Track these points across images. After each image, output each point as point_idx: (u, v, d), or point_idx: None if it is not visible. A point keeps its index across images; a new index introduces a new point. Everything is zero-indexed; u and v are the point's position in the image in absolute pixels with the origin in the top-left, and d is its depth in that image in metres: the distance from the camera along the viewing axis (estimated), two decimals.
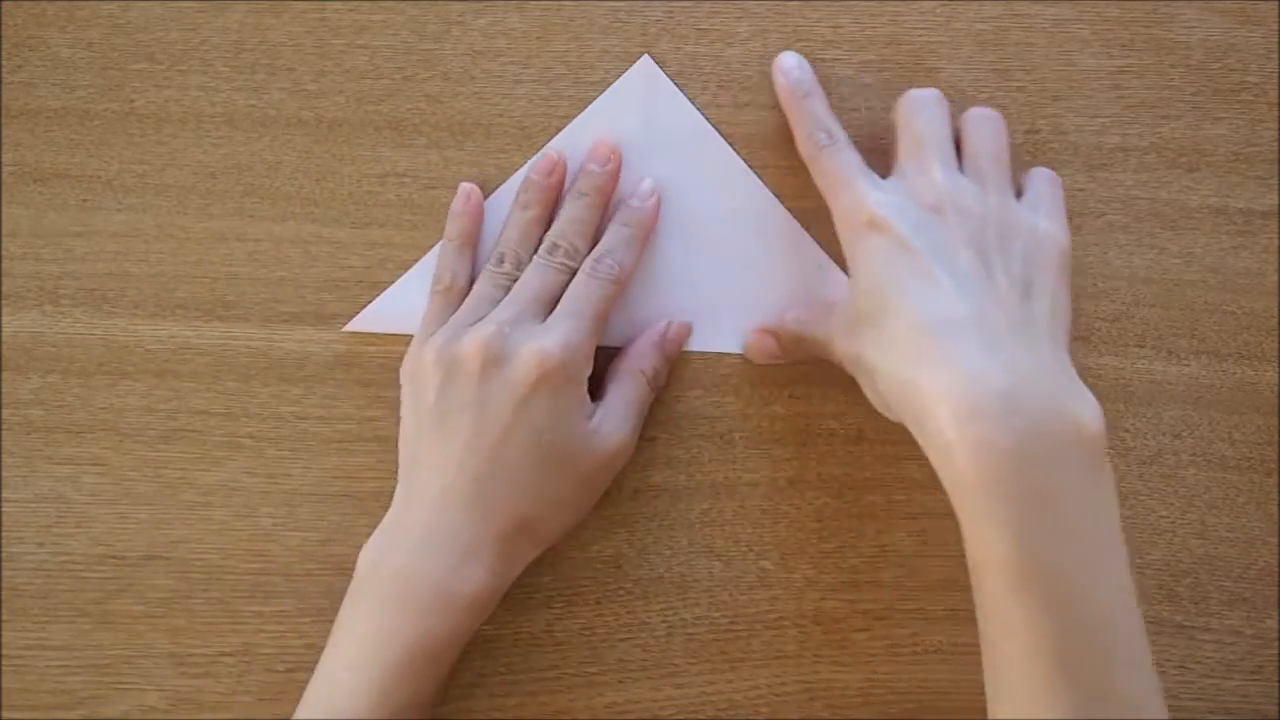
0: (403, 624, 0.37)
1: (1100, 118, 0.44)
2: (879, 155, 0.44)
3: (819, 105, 0.41)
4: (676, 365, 0.44)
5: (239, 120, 0.44)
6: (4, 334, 0.44)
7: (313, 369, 0.44)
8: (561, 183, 0.43)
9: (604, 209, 0.43)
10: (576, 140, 0.44)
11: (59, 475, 0.43)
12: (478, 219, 0.43)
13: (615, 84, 0.44)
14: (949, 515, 0.43)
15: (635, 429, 0.41)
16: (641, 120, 0.44)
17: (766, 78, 0.44)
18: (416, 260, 0.44)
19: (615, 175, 0.43)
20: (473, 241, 0.43)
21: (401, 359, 0.42)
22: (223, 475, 0.43)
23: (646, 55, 0.44)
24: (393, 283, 0.44)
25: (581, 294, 0.40)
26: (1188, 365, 0.44)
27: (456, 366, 0.39)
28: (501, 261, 0.42)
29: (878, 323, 0.36)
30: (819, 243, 0.44)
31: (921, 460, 0.43)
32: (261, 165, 0.44)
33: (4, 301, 0.44)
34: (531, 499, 0.38)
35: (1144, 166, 0.44)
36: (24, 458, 0.43)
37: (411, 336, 0.43)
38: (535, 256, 0.41)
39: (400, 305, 0.43)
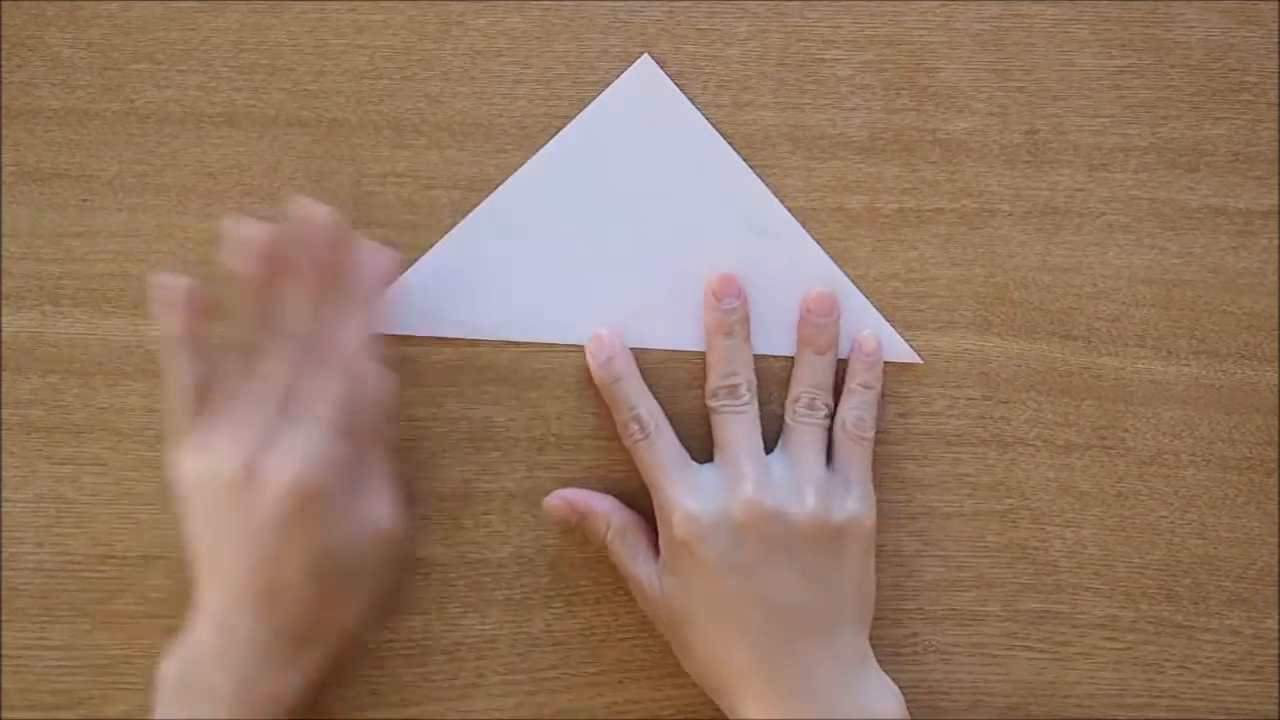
0: None
1: (1100, 118, 0.44)
2: (876, 154, 0.44)
3: (631, 389, 0.41)
4: (676, 365, 0.44)
5: (239, 120, 0.44)
6: (4, 334, 0.44)
7: None
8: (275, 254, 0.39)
9: (327, 283, 0.39)
10: (576, 140, 0.44)
11: (59, 475, 0.43)
12: (198, 312, 0.39)
13: (615, 84, 0.44)
14: (949, 515, 0.44)
15: (397, 500, 0.40)
16: (641, 120, 0.44)
17: (767, 77, 0.44)
18: (416, 260, 0.44)
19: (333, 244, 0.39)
20: (201, 336, 0.39)
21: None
22: None
23: (646, 55, 0.44)
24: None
25: (316, 390, 0.38)
26: (1188, 365, 0.44)
27: (212, 487, 0.38)
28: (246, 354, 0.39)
29: (688, 633, 0.39)
30: (819, 243, 0.44)
31: (921, 460, 0.44)
32: (261, 165, 0.44)
33: (4, 301, 0.44)
34: (314, 609, 0.38)
35: (1144, 166, 0.44)
36: (24, 458, 0.43)
37: (411, 337, 0.43)
38: (267, 342, 0.39)
39: (399, 305, 0.43)
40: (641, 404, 0.41)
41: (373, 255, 0.40)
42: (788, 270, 0.44)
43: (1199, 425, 0.44)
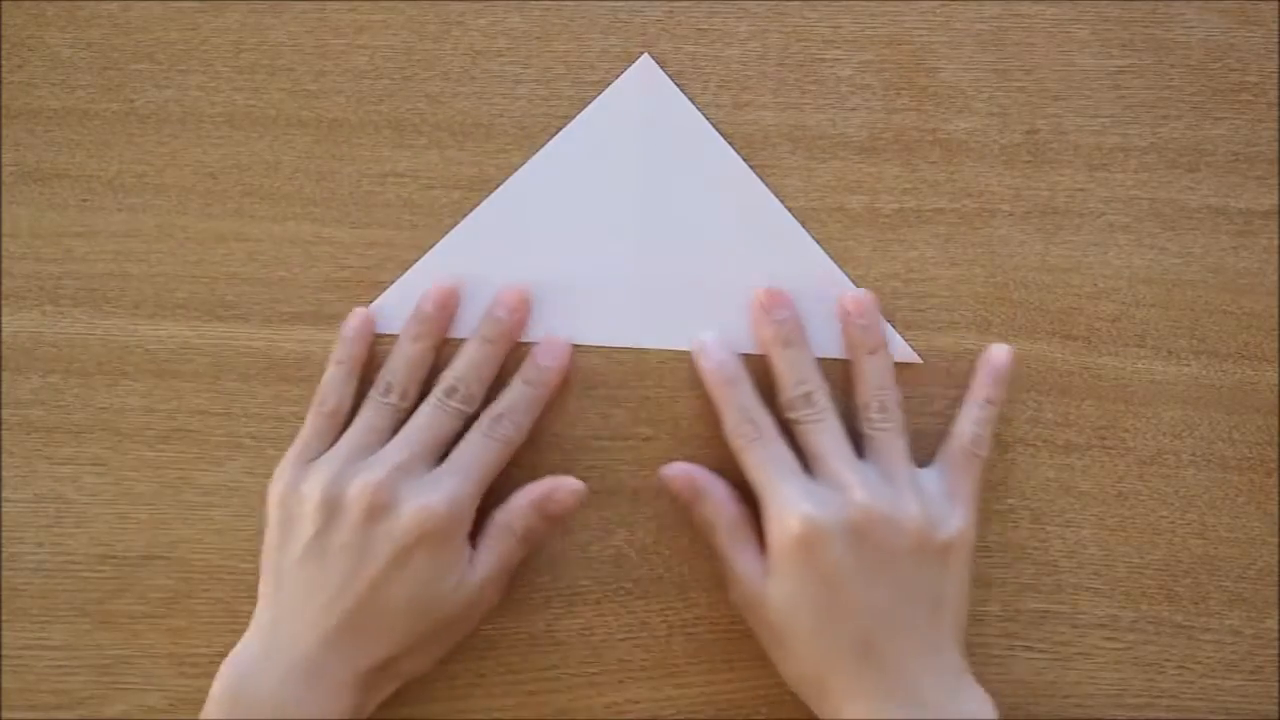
0: None
1: (1100, 118, 0.44)
2: (876, 154, 0.44)
3: (744, 392, 0.41)
4: (676, 365, 0.44)
5: (239, 120, 0.44)
6: (4, 334, 0.44)
7: (313, 369, 0.44)
8: (454, 314, 0.43)
9: (505, 356, 0.42)
10: (576, 140, 0.44)
11: (59, 475, 0.43)
12: (369, 344, 0.43)
13: (615, 83, 0.44)
14: None
15: (500, 585, 0.41)
16: (641, 120, 0.44)
17: (767, 77, 0.44)
18: (416, 260, 0.44)
19: (522, 324, 0.43)
20: (361, 366, 0.42)
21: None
22: (223, 475, 0.43)
23: (646, 54, 0.44)
24: (393, 283, 0.44)
25: (475, 453, 0.40)
26: (1188, 365, 0.44)
27: (340, 509, 0.38)
28: (388, 392, 0.41)
29: (790, 634, 0.39)
30: (819, 243, 0.44)
31: (922, 460, 0.43)
32: (261, 165, 0.44)
33: (4, 301, 0.44)
34: (398, 644, 0.38)
35: (1144, 166, 0.44)
36: (24, 458, 0.43)
37: None
38: (432, 395, 0.41)
39: (400, 305, 0.43)
40: (755, 406, 0.41)
41: (551, 346, 0.42)
42: (788, 270, 0.44)
43: (1199, 425, 0.44)
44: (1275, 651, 0.43)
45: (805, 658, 0.39)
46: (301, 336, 0.44)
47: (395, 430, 0.41)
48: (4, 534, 0.43)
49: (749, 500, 0.41)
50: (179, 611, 0.43)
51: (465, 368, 0.41)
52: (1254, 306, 0.44)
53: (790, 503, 0.38)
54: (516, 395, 0.41)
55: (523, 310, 0.42)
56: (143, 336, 0.44)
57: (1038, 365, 0.44)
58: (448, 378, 0.41)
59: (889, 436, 0.40)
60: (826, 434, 0.40)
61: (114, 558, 0.43)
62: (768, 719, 0.43)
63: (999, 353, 0.42)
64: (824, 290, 0.44)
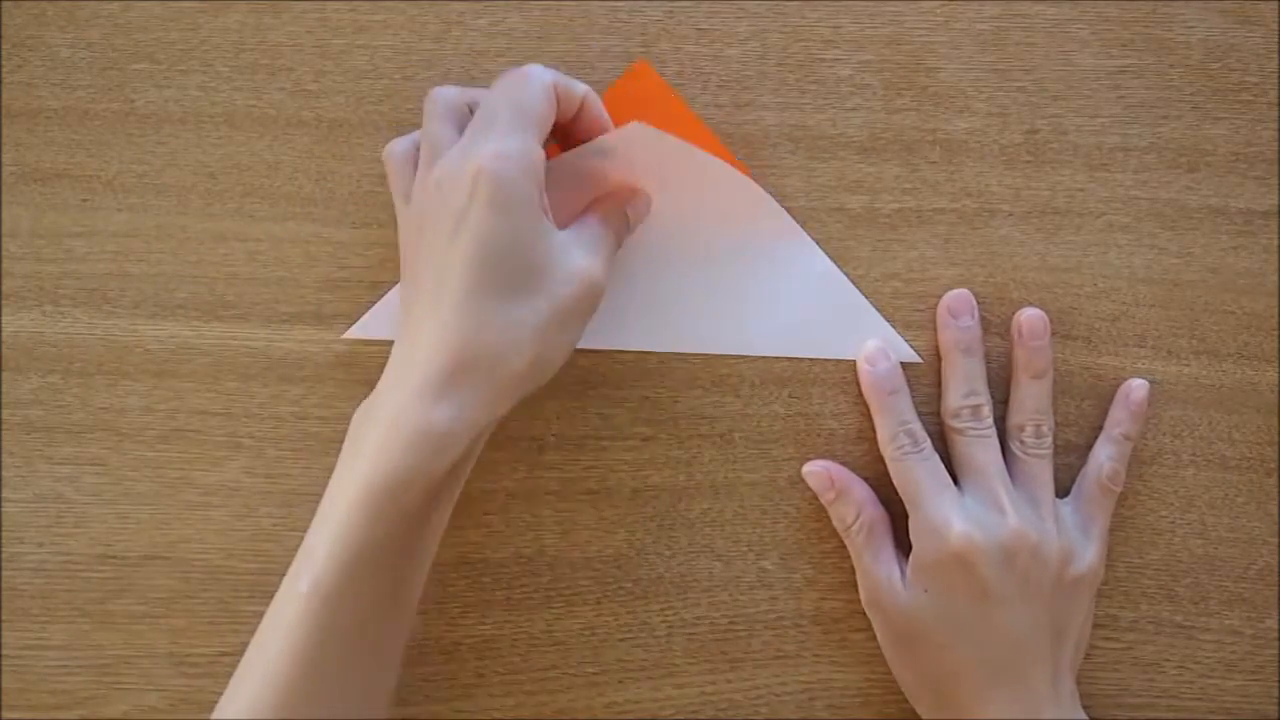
0: (359, 461, 0.35)
1: (1100, 118, 0.44)
2: (876, 154, 0.44)
3: (904, 403, 0.42)
4: (676, 365, 0.44)
5: (239, 120, 0.44)
6: (4, 334, 0.44)
7: (313, 369, 0.44)
8: None
9: None
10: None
11: (59, 475, 0.43)
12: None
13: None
14: None
15: (604, 258, 0.38)
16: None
17: (767, 77, 0.44)
18: None
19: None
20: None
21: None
22: (223, 475, 0.43)
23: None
24: (393, 283, 0.44)
25: (497, 97, 0.37)
26: (1188, 365, 0.44)
27: (409, 207, 0.38)
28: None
29: (920, 644, 0.40)
30: (819, 243, 0.44)
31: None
32: (261, 165, 0.44)
33: (4, 301, 0.44)
34: (489, 324, 0.35)
35: (1144, 166, 0.44)
36: (24, 458, 0.43)
37: None
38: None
39: (399, 310, 0.43)
40: (913, 419, 0.41)
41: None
42: (788, 270, 0.44)
43: (1199, 425, 0.44)
44: (1275, 651, 0.43)
45: (934, 665, 0.39)
46: (301, 336, 0.44)
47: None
48: (4, 534, 0.43)
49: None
50: (179, 611, 0.43)
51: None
52: (1254, 306, 0.44)
53: (947, 518, 0.39)
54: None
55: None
56: (143, 336, 0.44)
57: None
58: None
59: (1040, 464, 0.41)
60: (991, 451, 0.41)
61: (114, 558, 0.43)
62: (768, 719, 0.43)
63: (1137, 388, 0.43)
64: (824, 290, 0.44)
